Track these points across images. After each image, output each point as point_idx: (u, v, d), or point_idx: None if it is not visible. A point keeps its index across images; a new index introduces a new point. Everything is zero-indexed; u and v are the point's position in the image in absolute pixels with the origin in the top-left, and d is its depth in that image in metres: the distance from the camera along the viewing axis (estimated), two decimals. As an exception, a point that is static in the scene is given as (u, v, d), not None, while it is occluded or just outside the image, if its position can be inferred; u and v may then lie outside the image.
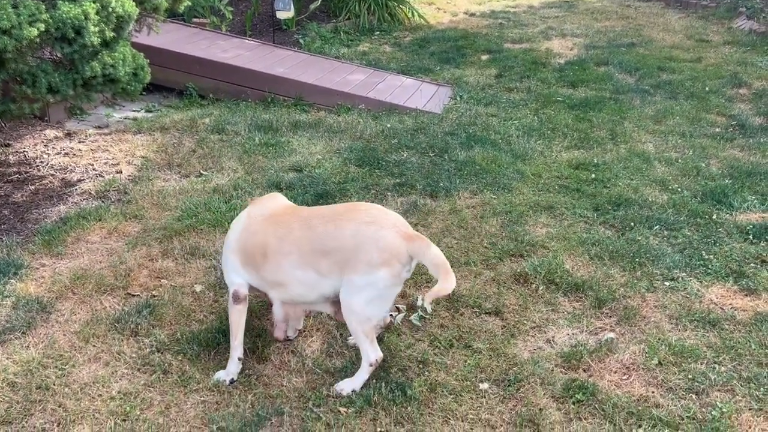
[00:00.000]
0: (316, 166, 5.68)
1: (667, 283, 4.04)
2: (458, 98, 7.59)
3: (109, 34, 4.18)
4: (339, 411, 3.04)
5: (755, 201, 5.05)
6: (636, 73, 8.45)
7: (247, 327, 3.55)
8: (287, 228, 3.15)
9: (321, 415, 3.02)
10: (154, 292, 3.91)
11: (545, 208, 4.93)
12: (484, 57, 9.36)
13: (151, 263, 4.19)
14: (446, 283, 2.94)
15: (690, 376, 3.29)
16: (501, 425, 3.00)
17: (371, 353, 3.12)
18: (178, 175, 5.50)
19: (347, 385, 3.15)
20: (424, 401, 3.12)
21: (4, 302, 3.73)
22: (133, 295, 3.88)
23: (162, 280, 4.03)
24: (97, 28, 4.01)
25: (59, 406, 3.04)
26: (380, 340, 3.52)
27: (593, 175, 5.44)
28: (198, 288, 3.96)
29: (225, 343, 3.47)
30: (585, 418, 3.04)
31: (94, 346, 3.45)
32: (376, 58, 9.17)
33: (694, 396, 3.18)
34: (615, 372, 3.34)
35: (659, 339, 3.56)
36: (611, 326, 3.68)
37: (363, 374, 3.16)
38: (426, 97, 7.54)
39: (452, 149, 5.98)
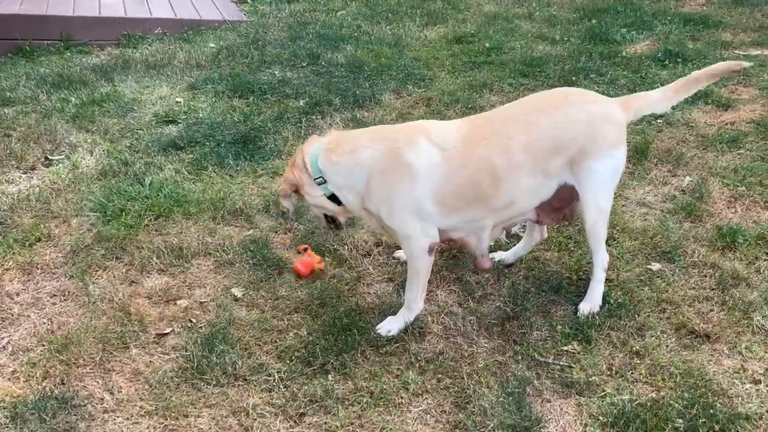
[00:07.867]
0: (190, 111, 4.54)
1: None
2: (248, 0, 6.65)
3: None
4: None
5: None
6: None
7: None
8: (503, 138, 2.46)
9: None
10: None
11: (480, 86, 4.70)
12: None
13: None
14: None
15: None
16: None
17: (605, 255, 2.70)
18: (20, 171, 3.87)
19: (586, 307, 2.67)
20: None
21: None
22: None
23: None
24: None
25: None
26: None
27: (487, 44, 5.35)
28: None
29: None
30: None
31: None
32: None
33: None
34: None
35: None
36: None
37: (598, 286, 2.69)
38: (209, 5, 6.45)
39: (321, 55, 5.28)
